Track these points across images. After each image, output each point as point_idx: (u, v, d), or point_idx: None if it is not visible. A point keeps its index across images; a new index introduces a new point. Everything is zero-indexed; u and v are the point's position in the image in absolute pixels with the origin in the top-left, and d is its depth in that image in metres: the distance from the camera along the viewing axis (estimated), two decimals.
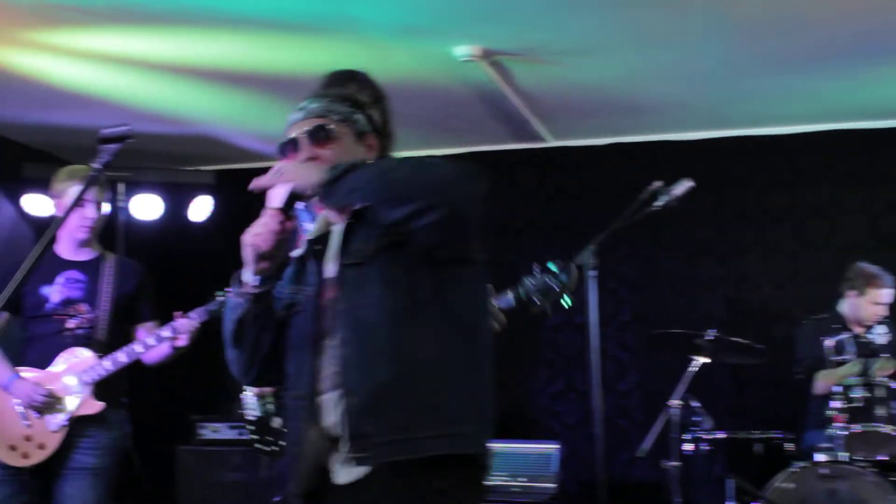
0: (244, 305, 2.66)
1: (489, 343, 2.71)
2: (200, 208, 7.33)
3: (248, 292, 2.64)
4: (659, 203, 5.10)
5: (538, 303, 3.97)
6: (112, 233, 4.95)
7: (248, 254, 2.59)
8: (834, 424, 5.25)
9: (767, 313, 6.93)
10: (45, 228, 6.75)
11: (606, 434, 5.17)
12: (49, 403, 4.44)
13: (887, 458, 5.17)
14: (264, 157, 7.56)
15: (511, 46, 5.48)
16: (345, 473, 2.56)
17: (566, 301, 4.03)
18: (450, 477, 2.54)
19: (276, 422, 4.22)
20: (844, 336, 5.75)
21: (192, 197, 7.28)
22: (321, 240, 2.75)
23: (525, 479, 6.22)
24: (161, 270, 5.01)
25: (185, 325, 4.45)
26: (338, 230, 2.71)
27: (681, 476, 5.45)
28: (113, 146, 2.59)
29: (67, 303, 4.57)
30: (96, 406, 4.50)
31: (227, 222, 7.33)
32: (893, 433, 5.17)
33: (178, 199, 7.27)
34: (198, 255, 7.59)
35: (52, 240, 2.57)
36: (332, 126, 2.71)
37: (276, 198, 2.58)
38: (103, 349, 4.53)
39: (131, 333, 4.72)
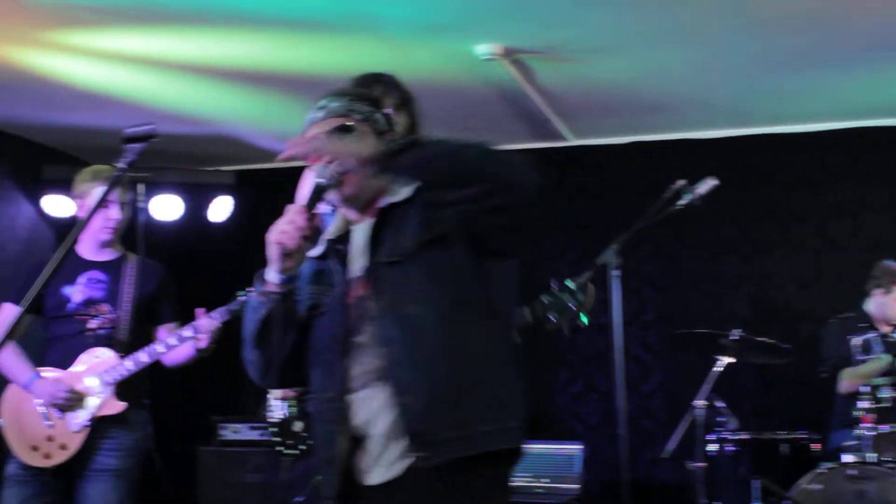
0: (268, 305, 2.61)
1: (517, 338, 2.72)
2: (220, 209, 7.32)
3: (273, 291, 2.59)
4: (683, 202, 5.08)
5: (554, 321, 3.95)
6: (132, 233, 4.93)
7: (273, 252, 2.53)
8: (861, 425, 5.19)
9: (792, 312, 6.88)
10: (64, 229, 6.86)
11: (629, 435, 5.13)
12: (71, 402, 4.43)
13: None
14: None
15: (533, 45, 5.45)
16: (379, 473, 2.55)
17: (583, 320, 4.01)
18: (485, 475, 2.55)
19: (298, 425, 4.19)
20: (871, 335, 5.69)
21: (213, 197, 7.28)
22: (342, 239, 2.73)
23: (548, 480, 6.18)
24: (181, 271, 5.00)
25: (206, 325, 4.43)
26: (363, 228, 2.69)
27: (706, 477, 5.41)
28: (137, 145, 2.56)
29: (89, 303, 4.56)
30: (118, 406, 4.48)
31: (247, 222, 7.36)
32: None
33: (198, 199, 7.27)
34: (218, 255, 7.60)
35: (75, 240, 2.54)
36: (353, 125, 2.67)
37: (303, 194, 2.55)
38: (125, 349, 4.52)
39: (152, 334, 4.70)
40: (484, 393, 2.54)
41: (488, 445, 2.51)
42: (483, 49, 5.45)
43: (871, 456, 5.10)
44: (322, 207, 2.62)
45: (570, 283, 4.05)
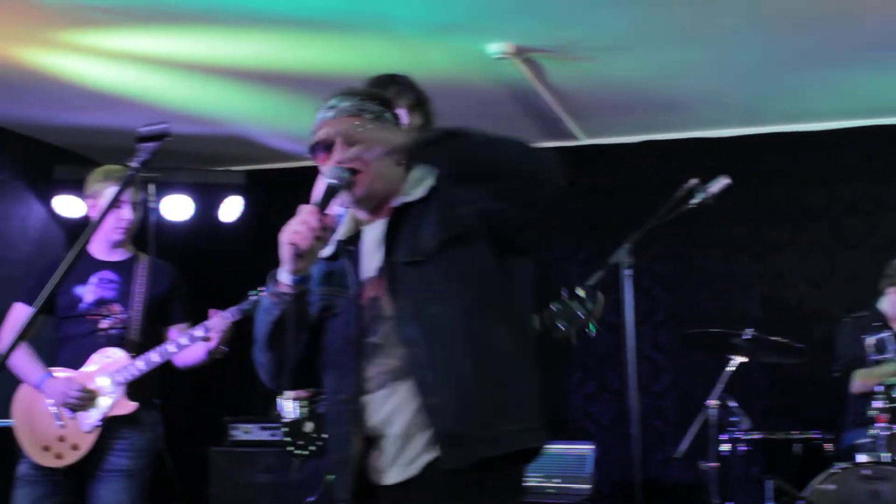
0: (280, 307, 2.58)
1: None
2: (231, 209, 7.33)
3: (286, 293, 2.56)
4: (695, 200, 5.08)
5: (563, 329, 3.93)
6: (143, 234, 4.92)
7: (285, 252, 2.50)
8: (876, 424, 5.15)
9: (804, 312, 6.85)
10: (75, 229, 6.86)
11: (640, 435, 5.11)
12: (83, 401, 4.42)
13: None
14: (295, 157, 7.55)
15: (544, 43, 5.44)
16: (396, 473, 2.54)
17: (592, 329, 3.99)
18: (504, 473, 2.55)
19: (309, 426, 4.18)
20: (885, 334, 5.66)
21: (223, 197, 7.28)
22: (353, 240, 2.72)
23: (559, 481, 6.16)
24: (191, 271, 4.99)
25: (218, 324, 4.41)
26: (375, 229, 2.68)
27: (718, 477, 5.39)
28: (150, 145, 2.55)
29: (101, 303, 4.55)
30: (129, 406, 4.48)
31: (258, 222, 7.36)
32: None
33: (208, 199, 7.27)
34: (228, 255, 7.59)
35: (87, 240, 2.52)
36: (367, 125, 2.65)
37: (316, 194, 2.54)
38: (136, 349, 4.51)
39: (163, 334, 4.69)
40: (509, 392, 2.53)
41: (516, 445, 2.51)
42: (494, 48, 5.44)
43: (886, 456, 5.06)
44: (334, 208, 2.60)
45: (579, 291, 4.04)
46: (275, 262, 2.57)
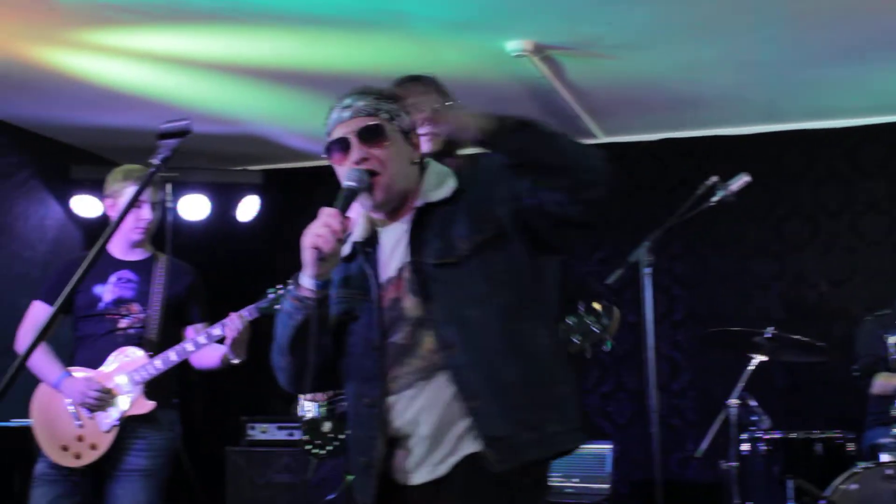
0: (303, 311, 2.54)
1: None
2: (247, 208, 7.33)
3: (309, 297, 2.53)
4: (716, 198, 5.06)
5: (577, 343, 3.92)
6: (160, 233, 4.92)
7: (308, 257, 2.47)
8: None
9: (824, 311, 6.80)
10: (92, 229, 6.87)
11: (659, 434, 5.09)
12: (101, 401, 4.41)
13: None
14: (312, 156, 7.55)
15: (563, 40, 5.42)
16: (424, 473, 2.54)
17: (607, 345, 3.98)
18: (533, 472, 2.56)
19: (327, 426, 4.19)
20: None
21: (240, 197, 7.29)
22: (370, 242, 2.70)
23: (578, 480, 6.14)
24: (208, 270, 4.98)
25: (236, 323, 4.40)
26: (395, 230, 2.66)
27: (738, 477, 5.36)
28: (172, 141, 2.53)
29: (119, 302, 4.54)
30: (147, 406, 4.46)
31: (275, 222, 7.36)
32: None
33: (225, 199, 7.28)
34: (245, 254, 7.59)
35: (107, 239, 2.50)
36: (384, 125, 2.63)
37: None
38: (154, 349, 4.50)
39: (181, 334, 4.69)
40: (549, 393, 2.54)
41: (559, 446, 2.53)
42: (513, 45, 5.42)
43: None
44: (354, 211, 2.57)
45: (595, 306, 4.02)
46: (291, 262, 2.55)
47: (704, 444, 5.37)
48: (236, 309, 4.42)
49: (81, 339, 4.57)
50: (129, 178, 4.58)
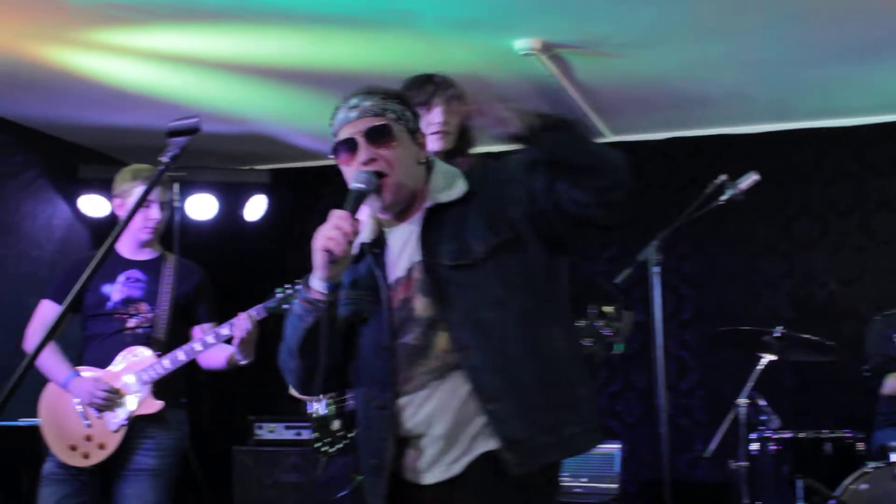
0: (314, 314, 2.53)
1: None
2: (255, 208, 7.33)
3: (320, 300, 2.52)
4: (725, 197, 5.05)
5: (589, 346, 3.91)
6: (168, 232, 4.92)
7: (319, 259, 2.45)
8: None
9: (834, 310, 6.78)
10: (100, 229, 6.87)
11: (668, 434, 5.08)
12: (109, 401, 4.41)
13: None
14: (320, 155, 7.54)
15: (572, 39, 5.41)
16: (437, 472, 2.53)
17: (619, 348, 3.97)
18: (546, 474, 2.56)
19: (336, 424, 4.16)
20: None
21: (247, 196, 7.29)
22: (377, 242, 2.68)
23: (586, 480, 6.13)
24: (215, 270, 4.97)
25: (244, 322, 4.39)
26: (403, 231, 2.65)
27: (748, 476, 5.34)
28: (181, 139, 2.51)
29: (128, 302, 4.54)
30: (155, 405, 4.46)
31: (282, 222, 7.35)
32: None
33: (232, 198, 7.28)
34: (252, 254, 7.59)
35: (116, 238, 2.49)
36: (391, 125, 2.61)
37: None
38: (162, 348, 4.50)
39: (189, 334, 4.68)
40: (567, 395, 2.54)
41: (577, 448, 2.53)
42: (521, 44, 5.41)
43: None
44: (362, 212, 2.56)
45: (607, 309, 4.01)
46: (299, 261, 2.54)
47: (713, 444, 5.35)
48: (244, 308, 4.41)
49: (90, 339, 4.57)
50: (138, 177, 4.58)
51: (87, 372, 4.49)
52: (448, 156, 3.45)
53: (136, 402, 4.44)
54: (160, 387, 4.47)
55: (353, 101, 2.63)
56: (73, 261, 4.84)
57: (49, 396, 4.59)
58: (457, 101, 3.47)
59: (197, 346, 4.47)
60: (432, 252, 2.57)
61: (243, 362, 4.46)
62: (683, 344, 7.05)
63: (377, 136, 2.58)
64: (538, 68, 5.71)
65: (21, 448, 5.00)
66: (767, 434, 5.42)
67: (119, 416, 4.43)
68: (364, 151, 2.57)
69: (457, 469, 2.50)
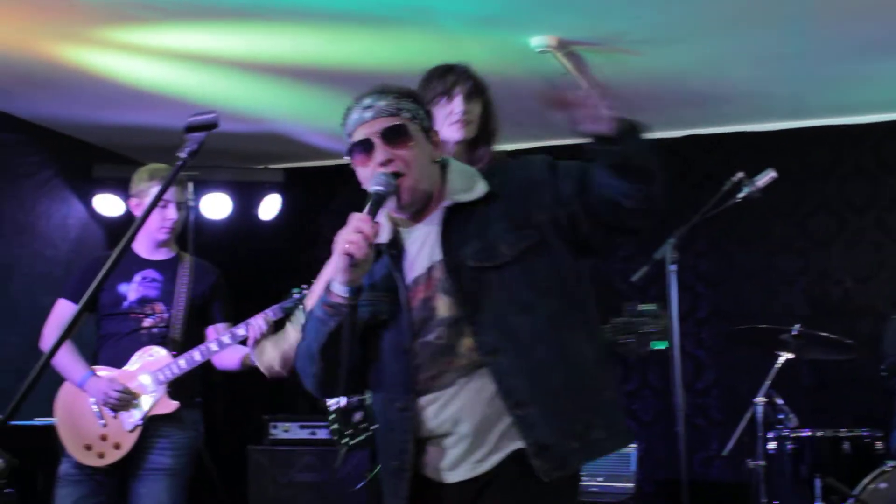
0: (336, 318, 2.50)
1: None
2: (269, 207, 7.32)
3: (343, 304, 2.49)
4: (742, 194, 5.03)
5: (629, 342, 3.90)
6: (183, 232, 4.92)
7: (341, 263, 2.42)
8: None
9: (850, 308, 6.75)
10: (114, 228, 6.87)
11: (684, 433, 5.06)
12: (124, 401, 4.41)
13: None
14: (334, 154, 7.52)
15: (587, 36, 5.38)
16: (462, 471, 2.52)
17: (661, 344, 3.96)
18: (572, 475, 2.56)
19: (358, 416, 4.15)
20: None
21: (262, 195, 7.29)
22: (394, 243, 2.67)
23: (602, 479, 6.09)
24: (230, 269, 4.97)
25: (260, 323, 4.38)
26: (421, 231, 2.63)
27: (765, 476, 5.31)
28: (199, 135, 2.49)
29: (144, 301, 4.54)
30: (171, 405, 4.46)
31: (296, 221, 7.34)
32: None
33: (247, 197, 7.28)
34: (267, 253, 7.59)
35: (132, 238, 2.48)
36: (407, 124, 2.59)
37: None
38: (178, 348, 4.50)
39: (205, 334, 4.68)
40: (594, 399, 2.53)
41: (604, 452, 2.52)
42: (537, 41, 5.39)
43: None
44: (380, 214, 2.54)
45: (646, 308, 4.00)
46: (313, 260, 2.52)
47: (731, 443, 5.32)
48: (258, 308, 4.41)
49: (105, 338, 4.58)
50: (155, 177, 4.58)
51: (104, 371, 4.49)
52: (469, 145, 3.43)
53: (151, 401, 4.44)
54: (175, 386, 4.47)
55: (367, 101, 2.60)
56: (89, 260, 4.85)
57: (65, 396, 4.59)
58: (477, 91, 3.47)
59: (213, 346, 4.47)
60: (454, 252, 2.55)
61: (258, 364, 4.45)
62: (700, 342, 7.02)
63: (394, 136, 2.56)
64: (554, 65, 5.69)
65: (37, 447, 5.00)
66: (785, 433, 5.39)
67: (134, 416, 4.43)
68: (381, 152, 2.55)
69: (485, 467, 2.49)
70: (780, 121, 6.98)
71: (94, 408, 4.46)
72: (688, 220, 5.09)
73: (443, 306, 2.54)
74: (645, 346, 3.96)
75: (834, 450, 5.38)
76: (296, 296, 4.37)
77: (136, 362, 4.49)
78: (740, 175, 5.05)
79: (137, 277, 4.57)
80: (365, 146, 2.57)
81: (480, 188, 2.63)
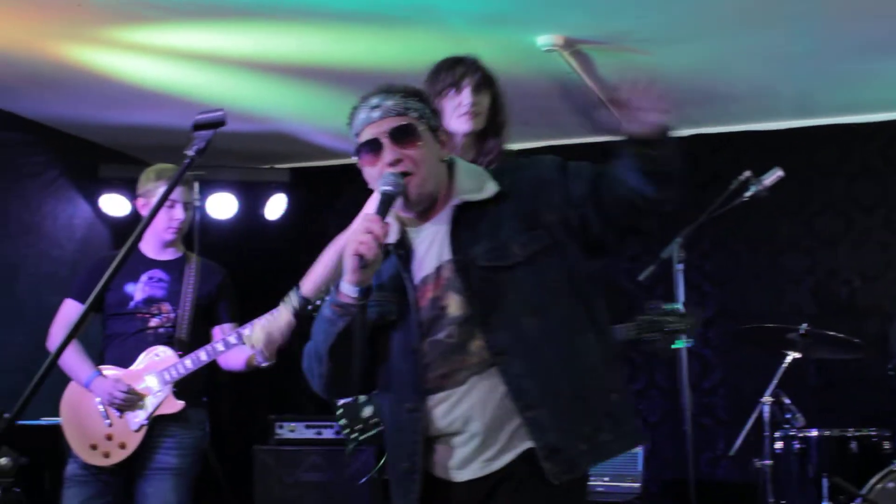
0: (346, 319, 2.50)
1: None
2: (275, 207, 7.32)
3: (352, 304, 2.49)
4: (749, 193, 5.02)
5: (656, 340, 3.90)
6: (188, 232, 4.91)
7: (351, 264, 2.42)
8: None
9: (857, 307, 6.73)
10: (120, 228, 6.87)
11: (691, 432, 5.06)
12: (130, 401, 4.41)
13: None
14: (340, 154, 7.52)
15: (594, 35, 5.37)
16: (472, 470, 2.52)
17: (684, 342, 3.96)
18: (581, 477, 2.57)
19: (367, 411, 4.14)
20: None
21: (267, 195, 7.29)
22: (401, 243, 2.66)
23: (608, 479, 6.10)
24: (235, 269, 4.97)
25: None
26: (429, 230, 2.62)
27: (772, 475, 5.30)
28: (206, 133, 2.49)
29: (150, 301, 4.54)
30: (177, 405, 4.46)
31: (302, 221, 7.34)
32: None
33: (252, 197, 7.29)
34: (272, 253, 7.58)
35: (139, 238, 2.47)
36: (415, 124, 2.59)
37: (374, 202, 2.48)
38: (184, 348, 4.50)
39: (211, 334, 4.67)
40: (603, 401, 2.53)
41: (612, 454, 2.51)
42: (544, 40, 5.37)
43: None
44: (391, 215, 2.54)
45: (674, 306, 4.01)
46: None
47: (738, 443, 5.32)
48: (264, 308, 4.39)
49: (111, 338, 4.58)
50: (162, 177, 4.58)
51: (110, 371, 4.49)
52: (478, 137, 3.43)
53: (157, 401, 4.44)
54: (181, 386, 4.47)
55: (375, 101, 2.60)
56: (96, 260, 4.85)
57: (71, 395, 4.59)
58: (486, 83, 3.47)
59: (219, 347, 4.46)
60: (464, 251, 2.55)
61: (263, 364, 4.43)
62: (706, 342, 7.00)
63: (402, 136, 2.56)
64: (560, 64, 5.68)
65: (44, 447, 4.99)
66: (792, 433, 5.38)
67: (140, 416, 4.43)
68: (390, 152, 2.55)
69: (496, 466, 2.49)
70: (788, 119, 6.97)
71: (100, 407, 4.46)
72: (694, 219, 5.09)
73: (454, 305, 2.53)
74: (671, 344, 3.96)
75: (841, 449, 5.36)
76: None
77: (142, 362, 4.48)
78: (747, 174, 5.04)
79: (144, 277, 4.56)
80: (373, 146, 2.57)
81: (491, 188, 2.62)
